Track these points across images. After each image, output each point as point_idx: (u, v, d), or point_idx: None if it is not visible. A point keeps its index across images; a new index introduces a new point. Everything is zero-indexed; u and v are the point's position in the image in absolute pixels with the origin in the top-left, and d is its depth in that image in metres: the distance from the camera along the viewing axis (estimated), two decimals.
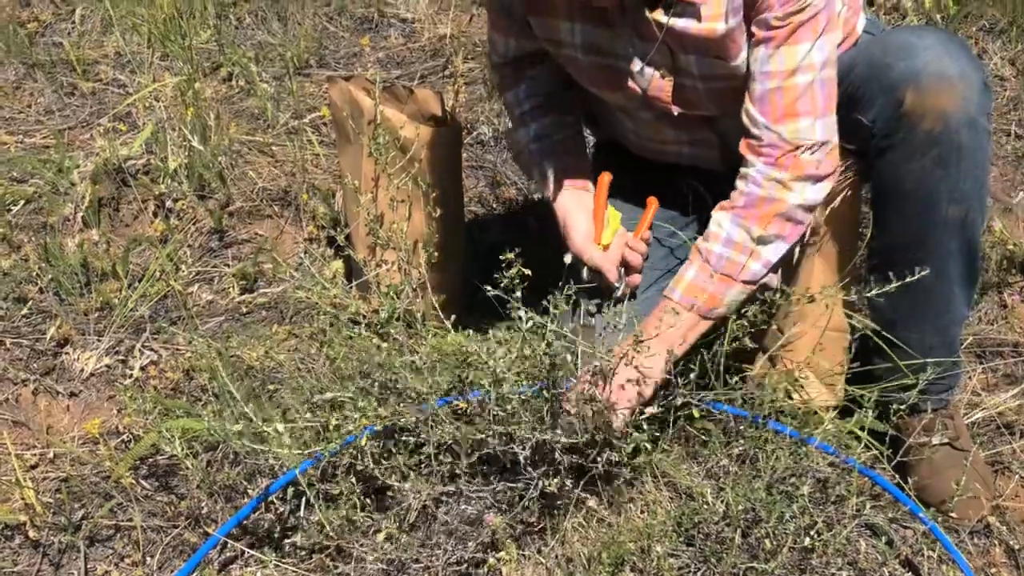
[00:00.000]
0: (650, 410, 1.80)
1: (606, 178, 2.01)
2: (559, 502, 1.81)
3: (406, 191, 2.10)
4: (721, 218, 1.85)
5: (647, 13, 1.80)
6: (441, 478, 1.79)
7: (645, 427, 1.80)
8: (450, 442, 1.76)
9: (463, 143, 2.60)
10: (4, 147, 3.06)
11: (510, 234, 2.66)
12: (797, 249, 1.94)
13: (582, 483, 1.81)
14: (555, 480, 1.73)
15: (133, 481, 2.00)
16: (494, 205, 2.89)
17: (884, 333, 1.92)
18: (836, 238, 2.00)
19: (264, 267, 2.61)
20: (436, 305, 1.81)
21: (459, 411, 1.79)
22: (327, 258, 2.65)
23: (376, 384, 1.83)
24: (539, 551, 1.80)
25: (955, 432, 1.99)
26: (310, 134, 3.05)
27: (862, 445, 1.90)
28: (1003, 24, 3.50)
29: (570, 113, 2.12)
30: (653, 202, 2.01)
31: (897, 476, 1.95)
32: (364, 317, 2.00)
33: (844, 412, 1.99)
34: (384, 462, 1.77)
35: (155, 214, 2.78)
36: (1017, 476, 2.05)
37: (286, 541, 1.85)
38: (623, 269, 1.96)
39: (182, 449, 1.89)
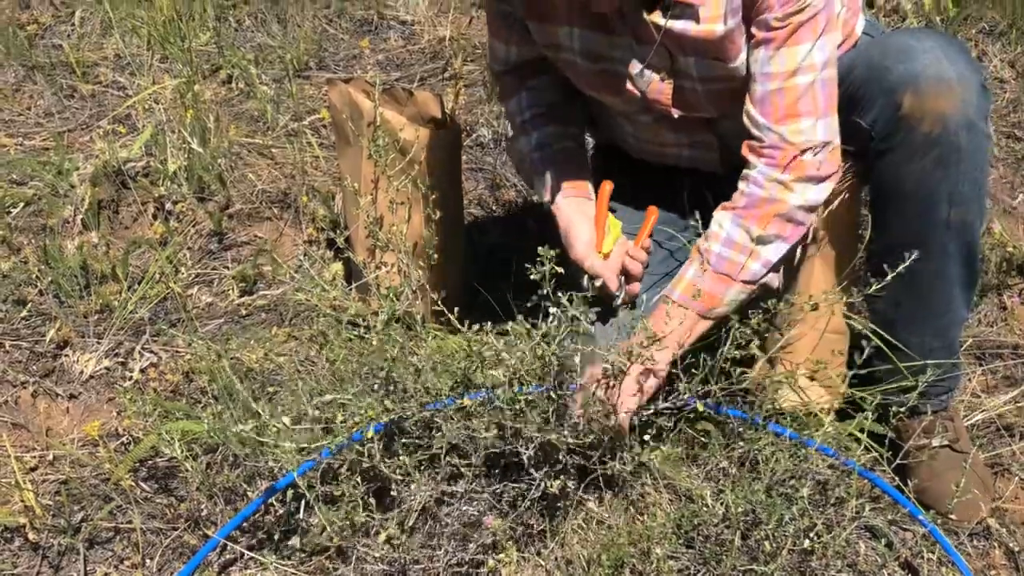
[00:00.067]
0: (660, 405, 1.80)
1: (608, 187, 2.01)
2: (560, 504, 1.81)
3: (406, 193, 2.10)
4: (722, 218, 1.85)
5: (645, 15, 1.80)
6: (444, 478, 1.79)
7: (651, 430, 1.80)
8: (455, 442, 1.76)
9: (463, 145, 2.60)
10: (4, 149, 3.06)
11: (510, 236, 2.66)
12: (799, 249, 1.94)
13: (583, 485, 1.82)
14: (558, 481, 1.73)
15: (133, 483, 2.00)
16: (494, 207, 2.89)
17: (884, 335, 1.92)
18: (836, 240, 2.00)
19: (264, 269, 2.61)
20: (440, 303, 1.81)
21: (463, 410, 1.79)
22: (327, 260, 2.65)
23: (377, 384, 1.83)
24: (539, 553, 1.80)
25: (955, 434, 1.99)
26: (310, 136, 3.05)
27: (862, 447, 1.90)
28: (1003, 26, 3.50)
29: (572, 124, 2.12)
30: (653, 211, 2.01)
31: (897, 478, 1.95)
32: (364, 319, 2.00)
33: (844, 414, 1.99)
34: (388, 460, 1.77)
35: (155, 216, 2.78)
36: (1017, 478, 2.05)
37: (286, 543, 1.85)
38: (623, 278, 1.96)
39: (182, 451, 1.89)
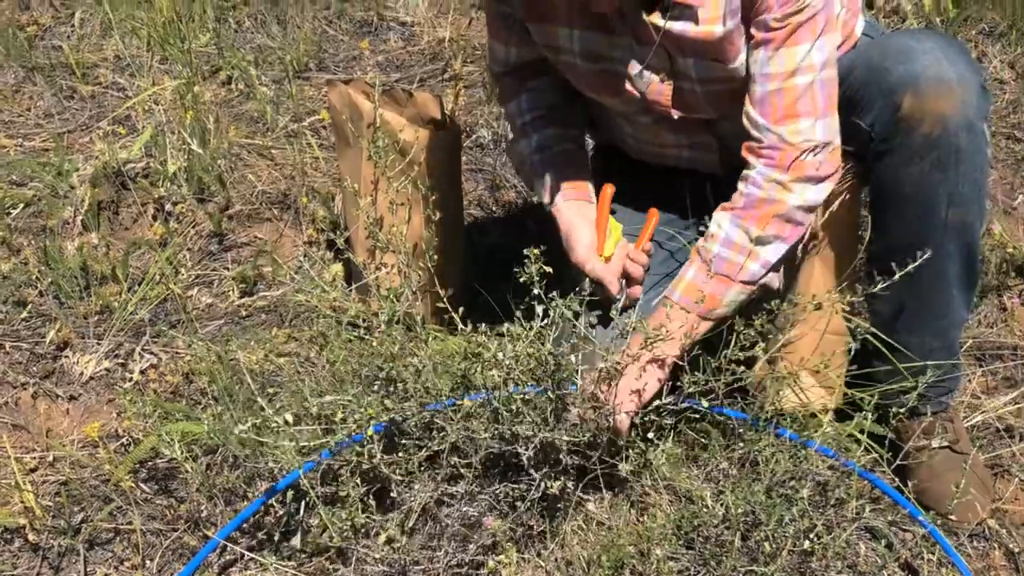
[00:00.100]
0: (663, 401, 1.80)
1: (609, 190, 2.01)
2: (560, 505, 1.81)
3: (405, 194, 2.10)
4: (721, 219, 1.85)
5: (644, 16, 1.80)
6: (444, 479, 1.79)
7: (652, 429, 1.80)
8: (454, 442, 1.76)
9: (462, 146, 2.60)
10: (4, 150, 3.06)
11: (509, 237, 2.66)
12: (799, 250, 1.94)
13: (583, 485, 1.82)
14: (558, 482, 1.73)
15: (133, 484, 2.00)
16: (493, 208, 2.89)
17: (884, 336, 1.92)
18: (835, 241, 2.00)
19: (264, 270, 2.61)
20: (445, 301, 1.81)
21: (463, 411, 1.79)
22: (327, 261, 2.65)
23: (377, 385, 1.83)
24: (539, 554, 1.80)
25: (955, 435, 1.99)
26: (309, 137, 3.05)
27: (862, 448, 1.89)
28: (1003, 27, 3.50)
29: (573, 126, 2.12)
30: (654, 214, 2.01)
31: (897, 479, 1.95)
32: (364, 320, 2.00)
33: (844, 415, 1.99)
34: (388, 460, 1.77)
35: (154, 217, 2.79)
36: (1016, 479, 2.05)
37: (286, 544, 1.85)
38: (624, 281, 1.96)
39: (182, 452, 1.89)
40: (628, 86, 1.92)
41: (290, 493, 1.84)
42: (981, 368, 2.31)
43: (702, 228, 1.89)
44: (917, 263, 1.75)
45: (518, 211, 2.85)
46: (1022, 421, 2.15)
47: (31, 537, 1.92)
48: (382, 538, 1.78)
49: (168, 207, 2.79)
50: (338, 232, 2.28)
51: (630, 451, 1.82)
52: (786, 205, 1.80)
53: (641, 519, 1.85)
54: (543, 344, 1.73)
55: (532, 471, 1.77)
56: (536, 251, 1.69)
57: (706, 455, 1.91)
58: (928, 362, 1.90)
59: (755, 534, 1.76)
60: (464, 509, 1.81)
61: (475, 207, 2.88)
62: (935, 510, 1.91)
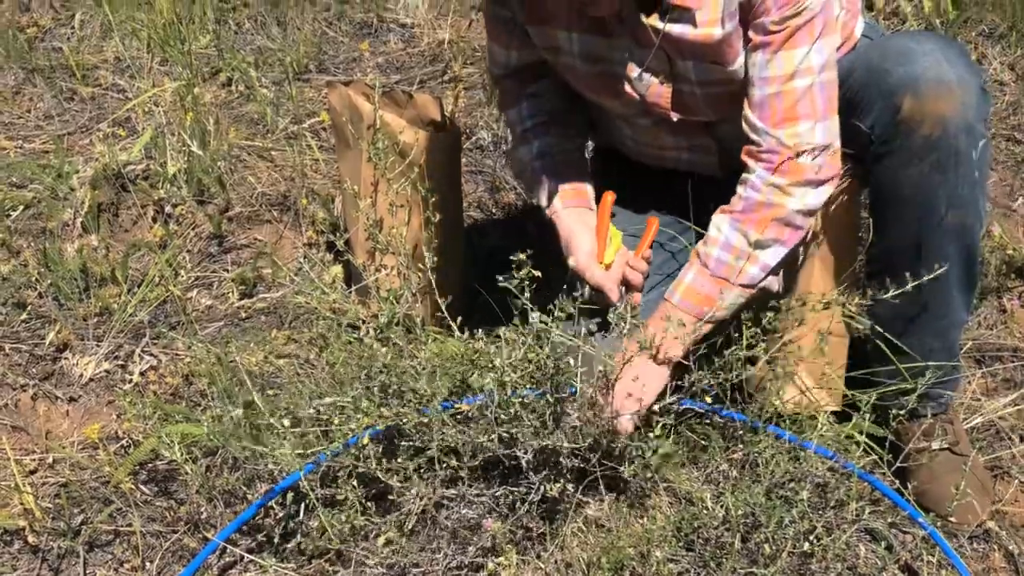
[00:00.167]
0: (664, 402, 1.80)
1: (609, 197, 2.00)
2: (559, 507, 1.81)
3: (405, 196, 2.10)
4: (720, 222, 1.85)
5: (643, 19, 1.80)
6: (442, 481, 1.79)
7: (655, 430, 1.80)
8: (452, 445, 1.77)
9: (462, 148, 2.61)
10: (3, 152, 3.06)
11: (509, 239, 2.66)
12: (801, 252, 1.94)
13: (582, 487, 1.82)
14: (557, 485, 1.73)
15: (132, 486, 2.00)
16: (493, 210, 2.89)
17: (883, 337, 1.92)
18: (835, 243, 2.00)
19: (263, 272, 2.61)
20: (442, 307, 1.81)
21: (461, 414, 1.79)
22: (326, 263, 2.65)
23: (377, 387, 1.83)
24: (538, 556, 1.80)
25: (954, 437, 1.99)
26: (309, 139, 3.05)
27: (861, 450, 1.90)
28: (1003, 29, 3.50)
29: (574, 131, 2.12)
30: (654, 221, 2.01)
31: (896, 481, 1.95)
32: (364, 322, 2.00)
33: (843, 417, 1.99)
34: (386, 463, 1.77)
35: (154, 219, 2.79)
36: (1016, 481, 2.05)
37: (285, 546, 1.85)
38: (623, 288, 1.96)
39: (181, 454, 1.90)
40: (627, 88, 1.92)
41: (290, 495, 1.84)
42: (981, 370, 2.31)
43: (692, 226, 1.89)
44: (923, 280, 1.76)
45: (518, 213, 2.85)
46: (1022, 423, 2.15)
47: (31, 539, 1.92)
48: (381, 540, 1.78)
49: (168, 209, 2.80)
50: (338, 234, 2.28)
51: (631, 453, 1.82)
52: (785, 209, 1.80)
53: (641, 521, 1.85)
54: (542, 348, 1.73)
55: (531, 474, 1.77)
56: (523, 255, 1.69)
57: (706, 457, 1.91)
58: (928, 363, 1.90)
59: (755, 536, 1.76)
60: (463, 511, 1.81)
61: (475, 209, 2.88)
62: (935, 512, 1.91)
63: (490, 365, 1.74)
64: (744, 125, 1.82)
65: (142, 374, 2.32)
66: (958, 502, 1.85)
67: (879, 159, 1.84)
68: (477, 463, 1.77)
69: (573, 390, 1.78)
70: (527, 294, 1.71)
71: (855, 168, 1.92)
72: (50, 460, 2.11)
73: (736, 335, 1.78)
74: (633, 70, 1.89)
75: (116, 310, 2.45)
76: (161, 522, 1.96)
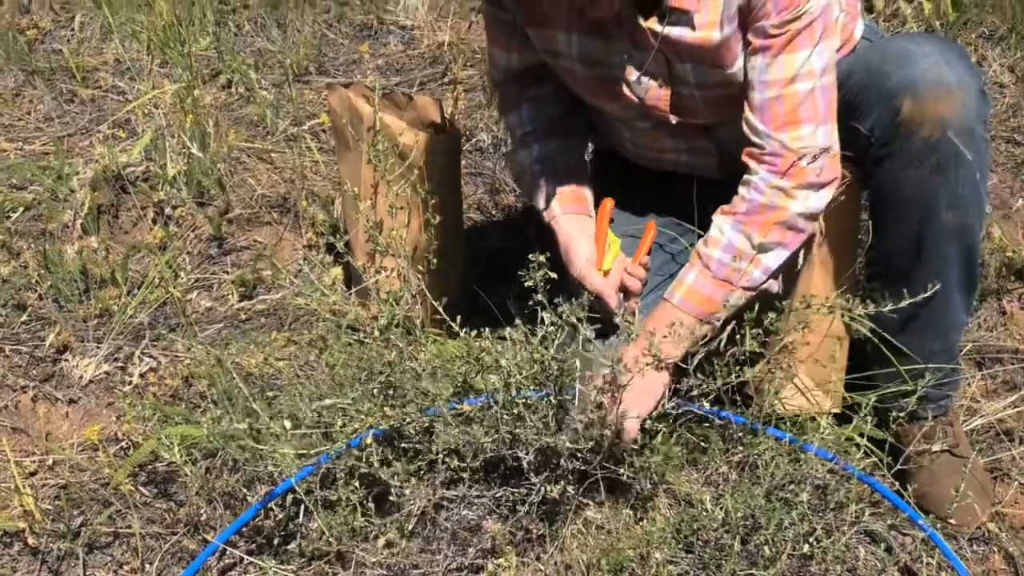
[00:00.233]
0: (665, 405, 1.81)
1: (609, 204, 2.00)
2: (560, 508, 1.81)
3: (405, 198, 2.10)
4: (722, 223, 1.85)
5: (641, 21, 1.80)
6: (443, 483, 1.79)
7: (658, 432, 1.80)
8: (454, 446, 1.77)
9: (462, 150, 2.61)
10: (4, 154, 3.06)
11: (509, 241, 2.66)
12: (801, 255, 1.94)
13: (583, 489, 1.82)
14: (558, 486, 1.73)
15: (132, 488, 2.00)
16: (493, 212, 2.89)
17: (883, 339, 1.92)
18: (835, 245, 2.00)
19: (263, 274, 2.61)
20: (440, 309, 1.81)
21: (463, 415, 1.79)
22: (326, 265, 2.65)
23: (377, 389, 1.83)
24: (538, 558, 1.80)
25: (954, 439, 1.99)
26: (309, 141, 3.05)
27: (861, 452, 1.90)
28: (1003, 31, 3.50)
29: (574, 136, 2.11)
30: (651, 227, 2.01)
31: (896, 483, 1.95)
32: (363, 324, 2.00)
33: (843, 419, 1.99)
34: (386, 465, 1.77)
35: (154, 221, 2.79)
36: (1016, 483, 2.05)
37: (285, 548, 1.84)
38: (622, 294, 1.96)
39: (181, 456, 1.89)
40: (626, 91, 1.92)
41: (289, 497, 1.84)
42: (981, 372, 2.31)
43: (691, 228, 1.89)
44: (925, 296, 1.77)
45: (518, 215, 2.85)
46: (1022, 425, 2.15)
47: (30, 541, 1.92)
48: (381, 542, 1.78)
49: (168, 211, 2.80)
50: (338, 236, 2.28)
51: (634, 455, 1.82)
52: (788, 212, 1.80)
53: (641, 523, 1.85)
54: (547, 349, 1.73)
55: (532, 475, 1.77)
56: (542, 257, 1.69)
57: (706, 459, 1.91)
58: (928, 365, 1.90)
59: (754, 538, 1.76)
60: (463, 513, 1.81)
61: (475, 211, 2.88)
62: (935, 514, 1.91)
63: (495, 365, 1.74)
64: (745, 127, 1.82)
65: (142, 376, 2.32)
66: (958, 504, 1.85)
67: (879, 161, 1.84)
68: (478, 464, 1.77)
69: (575, 391, 1.78)
70: (541, 295, 1.71)
71: (855, 170, 1.92)
72: (50, 462, 2.11)
73: (738, 336, 1.78)
74: (632, 73, 1.89)
75: (116, 312, 2.45)
76: (161, 524, 1.96)
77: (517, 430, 1.74)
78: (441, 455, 1.75)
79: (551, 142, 2.06)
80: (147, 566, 1.89)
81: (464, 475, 1.77)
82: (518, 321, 1.77)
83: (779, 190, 1.80)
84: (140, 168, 2.92)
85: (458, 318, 1.81)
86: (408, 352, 1.86)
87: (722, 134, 1.98)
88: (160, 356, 2.37)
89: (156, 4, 3.55)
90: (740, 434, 1.90)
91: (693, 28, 1.78)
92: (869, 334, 1.91)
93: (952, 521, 1.91)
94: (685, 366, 1.81)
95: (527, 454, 1.75)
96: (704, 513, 1.79)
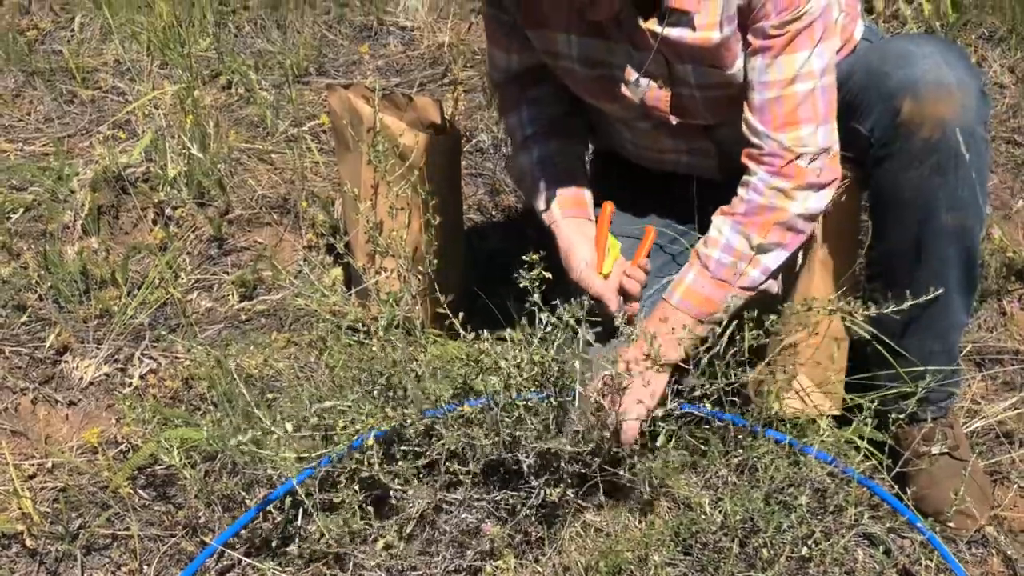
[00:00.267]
0: (662, 408, 1.80)
1: (609, 208, 2.00)
2: (559, 511, 1.81)
3: (405, 199, 2.10)
4: (721, 223, 1.85)
5: (641, 22, 1.80)
6: (443, 485, 1.79)
7: (662, 437, 1.81)
8: (454, 449, 1.76)
9: (462, 151, 2.61)
10: (4, 155, 3.06)
11: (509, 242, 2.66)
12: (799, 255, 1.94)
13: (582, 492, 1.82)
14: (558, 489, 1.73)
15: (131, 490, 2.00)
16: (493, 213, 2.89)
17: (883, 340, 1.92)
18: (835, 246, 1.99)
19: (263, 274, 2.61)
20: (445, 307, 1.81)
21: (463, 417, 1.79)
22: (326, 266, 2.65)
23: (377, 390, 1.83)
24: (536, 560, 1.80)
25: (954, 441, 1.99)
26: (309, 142, 3.05)
27: (861, 455, 1.89)
28: (1003, 32, 3.49)
29: (575, 139, 2.11)
30: (651, 231, 2.01)
31: (896, 486, 1.95)
32: (364, 325, 2.00)
33: (843, 421, 1.99)
34: (386, 467, 1.77)
35: (154, 222, 2.79)
36: (1016, 486, 2.05)
37: (284, 550, 1.84)
38: (622, 298, 1.96)
39: (180, 459, 1.89)
40: (626, 92, 1.92)
41: (288, 499, 1.84)
42: (981, 373, 2.30)
43: (691, 229, 1.89)
44: (926, 299, 1.78)
45: (518, 216, 2.85)
46: (1022, 427, 2.15)
47: (29, 543, 1.92)
48: (380, 544, 1.78)
49: (168, 211, 2.80)
50: (338, 236, 2.28)
51: (635, 457, 1.82)
52: (788, 213, 1.80)
53: (639, 525, 1.85)
54: (547, 350, 1.73)
55: (532, 479, 1.77)
56: (536, 256, 1.70)
57: (705, 461, 1.91)
58: (928, 367, 1.90)
59: (753, 540, 1.76)
60: (462, 515, 1.81)
61: (475, 211, 2.88)
62: (934, 517, 1.91)
63: (495, 367, 1.74)
64: (744, 128, 1.82)
65: (142, 377, 2.32)
66: (957, 507, 1.85)
67: (879, 162, 1.84)
68: (478, 467, 1.77)
69: (575, 394, 1.78)
70: (536, 295, 1.71)
71: (855, 171, 1.92)
72: (49, 464, 2.11)
73: (738, 336, 1.78)
74: (632, 74, 1.89)
75: (116, 312, 2.45)
76: (159, 526, 1.96)
77: (517, 432, 1.74)
78: (441, 458, 1.75)
79: (551, 144, 2.06)
80: (145, 568, 1.89)
81: (464, 478, 1.77)
82: (517, 321, 1.77)
83: (778, 191, 1.80)
84: (140, 169, 2.92)
85: (460, 315, 1.81)
86: (408, 353, 1.86)
87: (722, 134, 1.97)
88: (160, 357, 2.37)
89: (156, 5, 3.55)
90: (739, 436, 1.89)
91: (693, 29, 1.77)
92: (869, 338, 1.91)
93: (951, 524, 1.91)
94: (686, 366, 1.81)
95: (527, 457, 1.75)
96: (703, 516, 1.79)
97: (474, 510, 1.81)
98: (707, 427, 1.92)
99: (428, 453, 1.77)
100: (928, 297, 1.80)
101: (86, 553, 1.92)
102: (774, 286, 1.89)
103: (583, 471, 1.79)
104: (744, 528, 1.76)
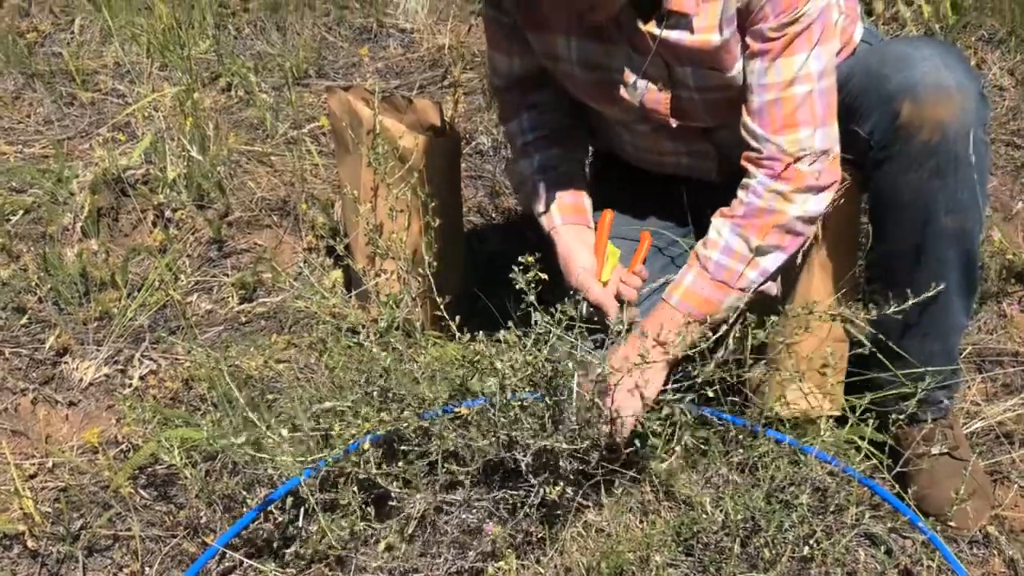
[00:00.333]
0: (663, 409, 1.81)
1: (608, 216, 2.00)
2: (559, 511, 1.81)
3: (405, 201, 2.10)
4: (720, 225, 1.85)
5: (640, 25, 1.80)
6: (443, 486, 1.79)
7: (659, 432, 1.81)
8: (452, 449, 1.76)
9: (462, 153, 2.61)
10: (3, 157, 3.06)
11: (509, 244, 2.66)
12: (798, 257, 1.94)
13: (582, 491, 1.82)
14: (557, 488, 1.73)
15: (132, 491, 2.00)
16: (493, 215, 2.89)
17: (883, 342, 1.92)
18: (835, 248, 2.00)
19: (263, 276, 2.61)
20: (442, 309, 1.81)
21: (461, 418, 1.79)
22: (326, 268, 2.65)
23: (376, 392, 1.83)
24: (538, 561, 1.80)
25: (954, 442, 1.99)
26: (309, 144, 3.05)
27: (861, 455, 1.90)
28: (1002, 34, 3.50)
29: (575, 145, 2.11)
30: (647, 236, 2.01)
31: (896, 486, 1.95)
32: (363, 327, 2.00)
33: (843, 421, 1.99)
34: (386, 468, 1.77)
35: (154, 224, 2.79)
36: (1016, 486, 2.05)
37: (285, 551, 1.84)
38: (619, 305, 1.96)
39: (181, 459, 1.89)
40: (625, 95, 1.92)
41: (289, 500, 1.84)
42: (981, 375, 2.31)
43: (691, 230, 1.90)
44: (925, 297, 1.78)
45: (517, 218, 2.86)
46: (1022, 427, 2.15)
47: (30, 543, 1.92)
48: (381, 545, 1.78)
49: (168, 213, 2.80)
50: (337, 238, 2.28)
51: (634, 456, 1.82)
52: (787, 216, 1.81)
53: (640, 525, 1.85)
54: (540, 351, 1.73)
55: (531, 477, 1.77)
56: (531, 258, 1.70)
57: (706, 461, 1.91)
58: (928, 368, 1.90)
59: (754, 540, 1.76)
60: (463, 516, 1.81)
61: (474, 214, 2.88)
62: (935, 516, 1.91)
63: (491, 368, 1.75)
64: (743, 131, 1.82)
65: (142, 378, 2.32)
66: (958, 507, 1.85)
67: (878, 165, 1.84)
68: (477, 467, 1.77)
69: (569, 390, 1.78)
70: (532, 296, 1.71)
71: (855, 173, 1.92)
72: (50, 464, 2.11)
73: (737, 337, 1.78)
74: (631, 77, 1.89)
75: (116, 314, 2.45)
76: (160, 527, 1.96)
77: (514, 432, 1.74)
78: (440, 459, 1.75)
79: (552, 150, 2.06)
80: (147, 569, 1.89)
81: (464, 479, 1.77)
82: (512, 323, 1.77)
83: (777, 194, 1.80)
84: (140, 171, 2.92)
85: (456, 318, 1.81)
86: (407, 355, 1.86)
87: (721, 137, 1.98)
88: (160, 359, 2.37)
89: (156, 7, 3.55)
90: (740, 436, 1.90)
91: (692, 31, 1.78)
92: (868, 342, 1.91)
93: (952, 524, 1.91)
94: (686, 366, 1.81)
95: (525, 456, 1.75)
96: (704, 515, 1.79)
97: (474, 510, 1.81)
98: (708, 427, 1.92)
99: (428, 453, 1.77)
100: (928, 295, 1.80)
101: (87, 554, 1.92)
102: (773, 288, 1.90)
103: (582, 468, 1.79)
104: (745, 528, 1.76)
